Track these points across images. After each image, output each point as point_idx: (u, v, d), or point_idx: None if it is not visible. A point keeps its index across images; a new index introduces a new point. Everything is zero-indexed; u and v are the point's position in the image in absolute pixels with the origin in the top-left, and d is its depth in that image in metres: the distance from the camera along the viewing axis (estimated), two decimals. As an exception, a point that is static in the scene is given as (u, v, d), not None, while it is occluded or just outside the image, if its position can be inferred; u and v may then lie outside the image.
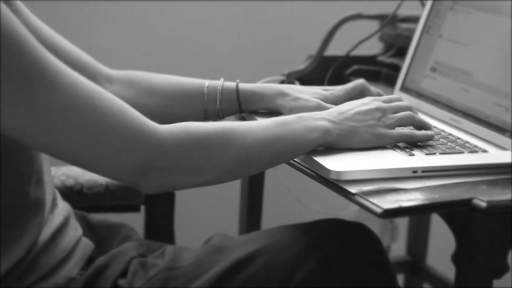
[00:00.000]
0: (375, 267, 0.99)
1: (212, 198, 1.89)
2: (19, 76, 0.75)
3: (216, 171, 0.88)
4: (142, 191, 0.87)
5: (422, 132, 1.02)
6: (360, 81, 1.13)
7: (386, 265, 1.00)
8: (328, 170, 0.92)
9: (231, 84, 1.11)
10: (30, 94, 0.76)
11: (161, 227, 1.31)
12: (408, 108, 1.04)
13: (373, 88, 1.15)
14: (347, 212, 1.83)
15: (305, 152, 0.95)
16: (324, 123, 0.95)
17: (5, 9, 0.76)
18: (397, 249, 2.05)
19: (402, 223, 1.99)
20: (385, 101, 1.03)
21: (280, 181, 1.48)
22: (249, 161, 0.90)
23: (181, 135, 0.85)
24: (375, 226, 2.05)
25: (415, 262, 1.79)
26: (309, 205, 1.61)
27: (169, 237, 1.31)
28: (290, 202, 1.64)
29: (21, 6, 0.99)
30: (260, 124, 0.92)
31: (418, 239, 1.79)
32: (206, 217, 1.94)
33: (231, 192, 1.58)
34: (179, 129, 0.86)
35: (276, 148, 0.91)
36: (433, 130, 1.05)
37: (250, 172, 0.96)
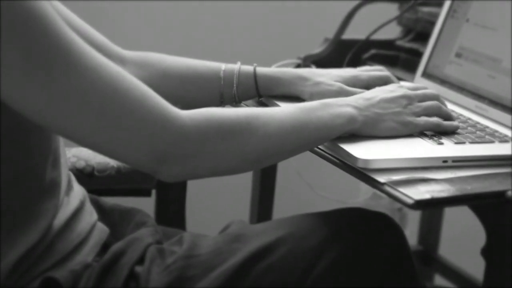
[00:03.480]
0: (398, 259, 0.96)
1: (224, 183, 1.86)
2: (40, 55, 0.73)
3: (238, 160, 0.86)
4: (162, 179, 0.84)
5: (449, 122, 1.00)
6: (386, 74, 1.11)
7: (408, 256, 0.98)
8: (356, 158, 0.89)
9: (248, 68, 1.08)
10: (50, 74, 0.74)
11: (172, 212, 1.28)
12: (436, 97, 1.01)
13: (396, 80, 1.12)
14: (358, 199, 1.80)
15: (329, 139, 0.93)
16: (349, 110, 0.93)
17: None
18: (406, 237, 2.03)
19: (412, 212, 1.97)
20: (410, 89, 1.00)
21: (292, 167, 1.46)
22: (272, 150, 0.88)
23: (203, 122, 0.83)
24: (384, 214, 2.04)
25: (427, 252, 1.76)
26: (320, 192, 1.59)
27: (180, 223, 1.28)
28: (302, 188, 1.62)
29: None
30: (284, 111, 0.89)
31: (430, 229, 1.76)
32: (218, 203, 1.92)
33: (243, 178, 1.54)
34: (201, 115, 0.83)
35: (300, 136, 0.89)
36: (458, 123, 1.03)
37: (274, 160, 0.94)
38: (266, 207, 1.42)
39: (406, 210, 2.10)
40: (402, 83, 1.09)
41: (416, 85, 1.04)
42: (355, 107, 0.94)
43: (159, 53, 1.11)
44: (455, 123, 1.01)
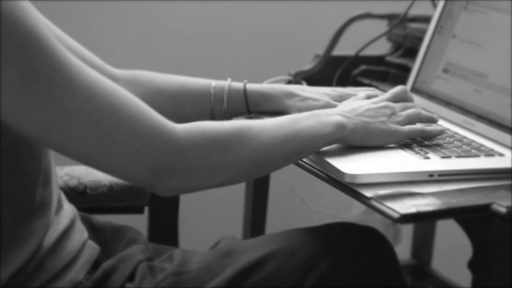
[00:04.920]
0: (387, 273, 0.97)
1: (217, 199, 1.87)
2: (35, 73, 0.74)
3: (233, 171, 0.87)
4: (159, 193, 0.84)
5: (432, 127, 1.03)
6: (375, 93, 1.12)
7: (398, 271, 0.99)
8: (343, 173, 0.90)
9: (238, 85, 1.10)
10: (47, 91, 0.74)
11: (164, 229, 1.28)
12: (413, 105, 1.05)
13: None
14: (351, 214, 1.81)
15: (321, 147, 0.95)
16: (338, 117, 0.95)
17: (27, 6, 0.75)
18: (400, 252, 2.03)
19: (406, 226, 1.97)
20: (390, 99, 1.04)
21: (284, 183, 1.47)
22: (266, 160, 0.89)
23: (198, 135, 0.83)
24: (377, 228, 2.05)
25: (420, 266, 1.77)
26: (313, 207, 1.60)
27: (173, 239, 1.28)
28: (295, 203, 1.63)
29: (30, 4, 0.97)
30: (275, 122, 0.91)
31: (423, 243, 1.77)
32: (210, 219, 1.92)
33: (235, 194, 1.55)
34: (196, 129, 0.84)
35: (293, 145, 0.91)
36: (440, 125, 1.06)
37: (268, 170, 0.96)
38: (259, 223, 1.43)
39: (400, 224, 2.11)
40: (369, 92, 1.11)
41: (394, 91, 1.07)
42: (344, 115, 0.96)
43: (149, 72, 1.12)
44: (439, 127, 1.04)
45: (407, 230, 1.90)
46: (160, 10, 1.83)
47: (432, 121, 1.05)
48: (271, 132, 0.89)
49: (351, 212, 1.80)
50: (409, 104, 1.05)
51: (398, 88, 1.08)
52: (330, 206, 1.60)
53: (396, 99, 1.06)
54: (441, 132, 1.03)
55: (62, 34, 1.03)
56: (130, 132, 0.79)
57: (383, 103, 1.01)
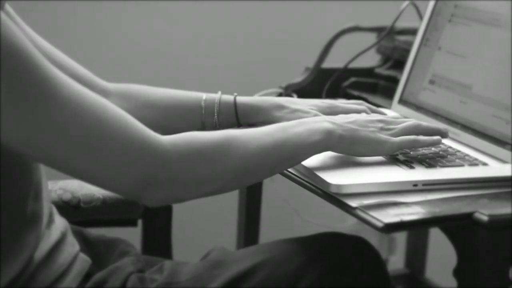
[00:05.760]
0: (375, 281, 0.98)
1: (210, 211, 1.88)
2: (20, 89, 0.75)
3: (220, 181, 0.88)
4: (146, 204, 0.86)
5: (427, 137, 0.99)
6: (363, 107, 1.12)
7: (385, 279, 1.00)
8: (328, 184, 0.92)
9: (228, 97, 1.11)
10: (33, 105, 0.76)
11: (158, 241, 1.30)
12: (415, 125, 1.01)
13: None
14: (345, 225, 1.82)
15: (309, 156, 0.94)
16: (327, 124, 0.94)
17: (7, 20, 0.75)
18: (395, 261, 2.04)
19: (400, 235, 1.99)
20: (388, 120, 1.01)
21: (278, 194, 1.48)
22: (253, 168, 0.90)
23: (184, 146, 0.85)
24: (373, 239, 2.05)
25: (414, 275, 1.78)
26: (307, 218, 1.61)
27: (166, 251, 1.30)
28: (288, 215, 1.64)
29: (19, 20, 1.00)
30: (263, 131, 0.92)
31: (416, 252, 1.78)
32: (204, 230, 1.93)
33: (229, 205, 1.57)
34: (182, 140, 0.85)
35: (280, 153, 0.91)
36: (445, 132, 1.03)
37: (256, 179, 0.96)
38: (253, 234, 1.44)
39: (395, 234, 2.11)
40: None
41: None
42: (332, 123, 0.95)
43: (140, 85, 1.13)
44: (435, 137, 1.00)
45: (400, 240, 1.91)
46: (149, 27, 1.84)
47: (433, 133, 1.01)
48: (258, 140, 0.89)
49: (346, 222, 1.81)
50: (409, 122, 1.01)
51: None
52: (324, 217, 1.61)
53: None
54: (438, 141, 1.00)
55: (51, 48, 1.04)
56: (117, 145, 0.80)
57: (378, 117, 1.00)
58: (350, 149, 0.96)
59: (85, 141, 0.79)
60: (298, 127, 0.93)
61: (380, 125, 0.98)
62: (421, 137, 0.99)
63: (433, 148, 1.05)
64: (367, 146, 0.96)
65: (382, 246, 2.07)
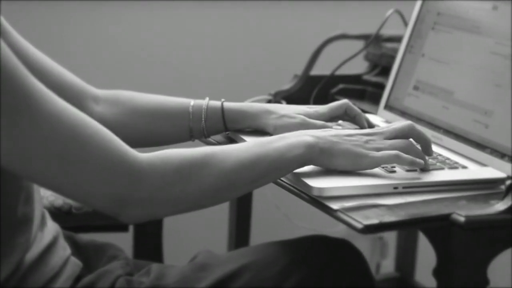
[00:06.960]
0: (358, 282, 1.00)
1: (201, 216, 1.89)
2: (2, 102, 0.75)
3: (196, 199, 0.88)
4: (123, 221, 0.86)
5: (408, 156, 0.97)
6: (344, 101, 1.15)
7: (369, 280, 1.01)
8: (310, 187, 0.94)
9: (216, 103, 1.12)
10: (11, 119, 0.75)
11: (149, 246, 1.32)
12: (410, 128, 1.00)
13: (357, 109, 1.16)
14: (337, 229, 1.83)
15: (291, 170, 0.95)
16: (307, 138, 0.94)
17: None
18: (388, 265, 2.06)
19: (392, 240, 2.00)
20: (391, 134, 0.99)
21: (268, 199, 1.50)
22: (230, 185, 0.89)
23: (160, 165, 0.84)
24: (365, 243, 2.07)
25: (403, 278, 1.80)
26: (298, 223, 1.63)
27: (158, 256, 1.32)
28: (279, 219, 1.66)
29: (8, 27, 1.00)
30: (241, 147, 0.92)
31: (406, 256, 1.80)
32: (195, 235, 1.94)
33: (220, 210, 1.58)
34: (158, 158, 0.85)
35: (258, 169, 0.90)
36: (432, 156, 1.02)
37: (235, 194, 0.96)
38: (243, 238, 1.46)
39: (387, 238, 2.13)
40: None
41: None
42: (313, 136, 0.94)
43: (130, 91, 1.14)
44: (418, 160, 0.97)
45: (392, 244, 1.93)
46: (141, 37, 1.86)
47: (424, 149, 1.00)
48: (235, 157, 0.89)
49: (338, 227, 1.82)
50: (403, 127, 1.00)
51: (403, 124, 1.01)
52: (315, 222, 1.63)
53: (396, 135, 1.00)
54: (419, 164, 0.98)
55: (40, 56, 1.05)
56: (93, 161, 0.80)
57: (362, 132, 0.98)
58: (331, 162, 0.95)
59: (61, 156, 0.79)
60: (278, 142, 0.92)
61: (365, 138, 0.97)
62: (403, 155, 0.96)
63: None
64: (346, 159, 0.95)
65: (375, 250, 2.09)
